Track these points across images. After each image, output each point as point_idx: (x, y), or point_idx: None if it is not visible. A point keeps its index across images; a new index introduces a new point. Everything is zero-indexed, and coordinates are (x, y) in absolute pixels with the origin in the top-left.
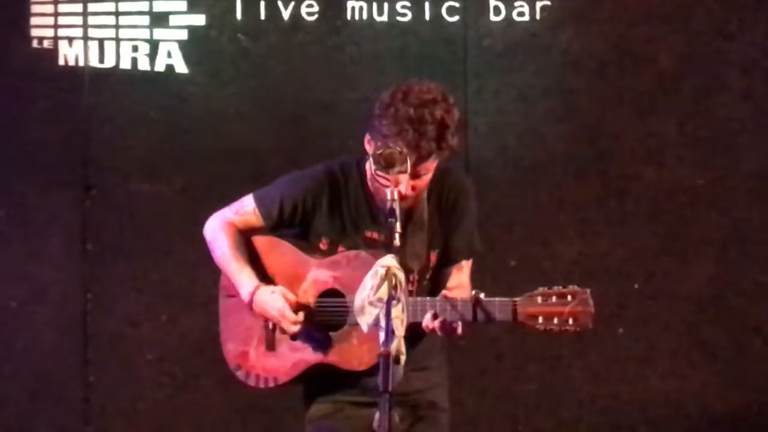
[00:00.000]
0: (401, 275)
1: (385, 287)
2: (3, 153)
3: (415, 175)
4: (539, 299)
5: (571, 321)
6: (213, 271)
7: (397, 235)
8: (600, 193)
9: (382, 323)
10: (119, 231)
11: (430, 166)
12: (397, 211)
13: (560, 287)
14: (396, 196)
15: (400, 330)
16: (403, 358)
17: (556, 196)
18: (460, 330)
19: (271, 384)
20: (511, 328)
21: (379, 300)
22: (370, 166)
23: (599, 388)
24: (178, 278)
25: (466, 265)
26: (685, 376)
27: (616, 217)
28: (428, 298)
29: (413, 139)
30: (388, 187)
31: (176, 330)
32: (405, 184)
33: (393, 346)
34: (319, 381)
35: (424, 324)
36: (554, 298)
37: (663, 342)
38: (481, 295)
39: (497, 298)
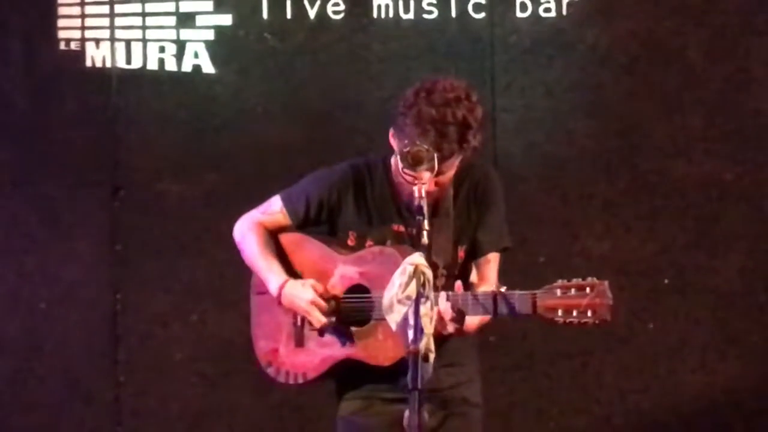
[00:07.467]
0: (429, 273)
1: (413, 285)
2: (32, 155)
3: (437, 172)
4: (558, 292)
5: (589, 313)
6: (242, 270)
7: (425, 233)
8: (629, 188)
9: (411, 321)
10: (148, 231)
11: (454, 164)
12: (425, 209)
13: (579, 279)
14: (423, 194)
15: (428, 328)
16: (432, 355)
17: (584, 192)
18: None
19: (301, 380)
20: (541, 325)
21: (408, 298)
22: (396, 160)
23: (630, 383)
24: (208, 278)
25: (493, 258)
26: (716, 370)
27: (646, 212)
28: (449, 292)
29: (435, 141)
30: (414, 184)
31: (206, 329)
32: (428, 181)
33: (422, 344)
34: (350, 377)
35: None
36: (573, 291)
37: (693, 337)
38: (502, 289)
39: (517, 291)
